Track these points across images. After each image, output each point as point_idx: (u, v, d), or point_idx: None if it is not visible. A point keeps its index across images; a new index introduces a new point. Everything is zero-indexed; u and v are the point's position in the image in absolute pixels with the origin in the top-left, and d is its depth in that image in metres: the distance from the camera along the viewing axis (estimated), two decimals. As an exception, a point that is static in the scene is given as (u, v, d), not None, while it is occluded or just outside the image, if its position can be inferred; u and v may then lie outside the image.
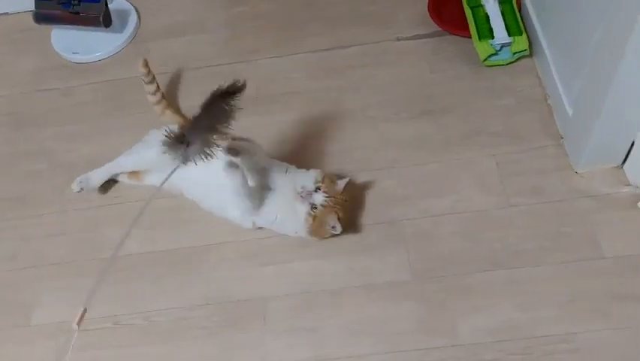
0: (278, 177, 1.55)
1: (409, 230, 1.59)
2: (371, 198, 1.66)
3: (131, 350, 1.50)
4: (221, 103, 1.30)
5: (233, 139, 1.45)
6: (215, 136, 1.31)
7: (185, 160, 1.30)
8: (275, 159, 1.63)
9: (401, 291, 1.49)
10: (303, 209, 1.49)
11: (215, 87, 1.32)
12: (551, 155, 1.67)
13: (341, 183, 1.53)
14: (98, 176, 1.75)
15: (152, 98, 1.82)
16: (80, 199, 1.77)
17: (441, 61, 1.93)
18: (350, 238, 1.59)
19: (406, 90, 1.88)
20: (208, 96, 1.32)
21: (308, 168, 1.63)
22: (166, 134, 1.32)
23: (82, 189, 1.73)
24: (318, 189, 1.50)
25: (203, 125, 1.31)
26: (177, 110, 1.86)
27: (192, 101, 1.93)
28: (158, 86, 1.83)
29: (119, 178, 1.79)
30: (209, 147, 1.31)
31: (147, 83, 1.81)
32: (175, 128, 1.66)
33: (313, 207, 1.48)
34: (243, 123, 1.83)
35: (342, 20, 2.09)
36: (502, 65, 1.87)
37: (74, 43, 2.12)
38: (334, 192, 1.51)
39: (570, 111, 1.62)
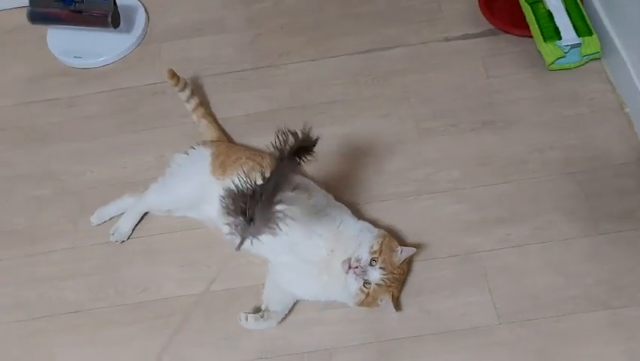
0: (327, 230, 1.30)
1: (489, 263, 1.39)
2: (440, 226, 1.45)
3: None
4: (289, 163, 1.14)
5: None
6: (279, 209, 1.11)
7: (244, 239, 1.11)
8: (331, 197, 1.42)
9: (489, 338, 1.30)
10: (354, 284, 1.25)
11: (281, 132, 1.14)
12: (637, 173, 1.49)
13: (403, 254, 1.29)
14: (128, 222, 1.50)
15: (187, 106, 1.64)
16: (94, 232, 1.52)
17: (498, 64, 1.72)
18: (422, 275, 1.38)
19: (462, 98, 1.67)
20: (275, 161, 1.13)
21: (357, 195, 1.42)
22: (225, 203, 1.10)
23: (113, 236, 1.50)
24: (373, 261, 1.26)
25: (267, 197, 1.10)
26: (214, 121, 1.63)
27: (215, 114, 1.70)
28: (192, 92, 1.64)
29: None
30: (273, 222, 1.10)
31: (179, 92, 1.63)
32: (206, 146, 1.50)
33: (366, 283, 1.25)
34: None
35: (380, 17, 1.86)
36: (569, 68, 1.68)
37: (74, 45, 1.83)
38: (392, 263, 1.27)
39: (661, 123, 1.44)
